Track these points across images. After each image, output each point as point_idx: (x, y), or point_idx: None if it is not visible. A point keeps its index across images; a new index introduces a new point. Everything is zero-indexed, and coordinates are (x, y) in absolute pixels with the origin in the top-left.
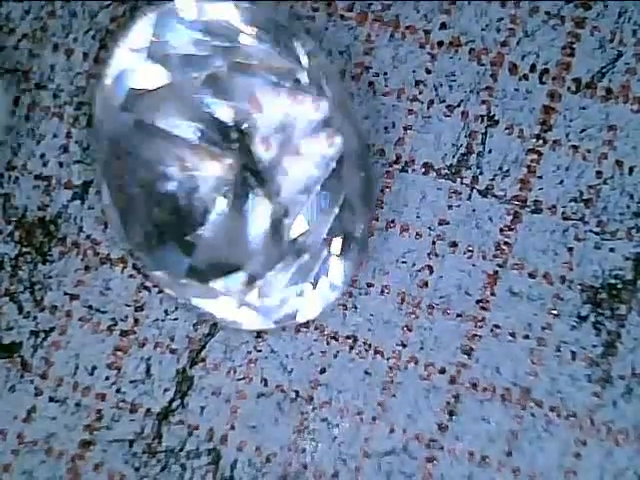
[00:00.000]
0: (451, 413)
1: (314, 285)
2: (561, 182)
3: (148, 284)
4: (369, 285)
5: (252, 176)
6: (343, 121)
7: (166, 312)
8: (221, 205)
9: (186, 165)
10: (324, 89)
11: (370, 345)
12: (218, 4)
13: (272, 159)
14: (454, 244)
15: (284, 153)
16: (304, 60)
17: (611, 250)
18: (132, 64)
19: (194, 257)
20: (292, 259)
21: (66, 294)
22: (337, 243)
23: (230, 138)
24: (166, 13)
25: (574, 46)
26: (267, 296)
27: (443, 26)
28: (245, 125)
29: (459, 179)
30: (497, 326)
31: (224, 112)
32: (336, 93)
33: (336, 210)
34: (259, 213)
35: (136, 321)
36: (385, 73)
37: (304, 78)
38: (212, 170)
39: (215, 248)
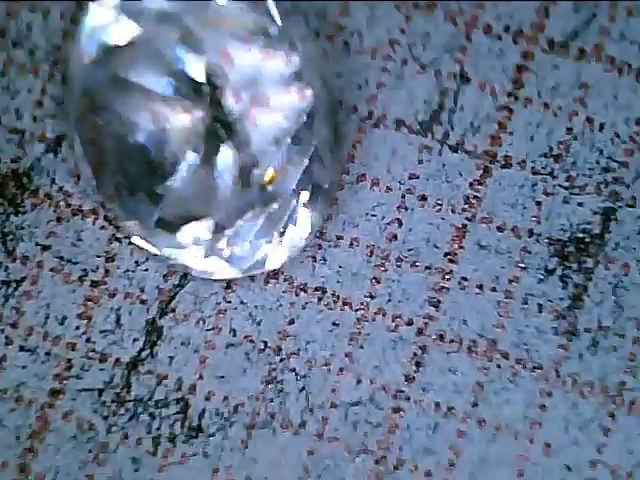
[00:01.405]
0: (418, 364)
1: (282, 234)
2: (531, 138)
3: (119, 235)
4: (338, 238)
5: (222, 128)
6: (314, 75)
7: (137, 263)
8: (191, 157)
9: (158, 118)
10: (296, 45)
11: (338, 297)
12: None
13: (242, 111)
14: (424, 198)
15: (254, 105)
16: (277, 17)
17: (579, 204)
18: (105, 20)
19: (162, 208)
20: (261, 209)
21: (38, 245)
22: (306, 194)
23: (202, 92)
24: None
25: (548, 8)
26: (236, 245)
27: None
28: (216, 79)
29: (430, 135)
30: (465, 279)
31: (196, 67)
32: (308, 48)
33: (306, 162)
34: (228, 164)
35: (107, 272)
36: (360, 33)
37: (276, 34)
38: (183, 122)
39: (184, 199)
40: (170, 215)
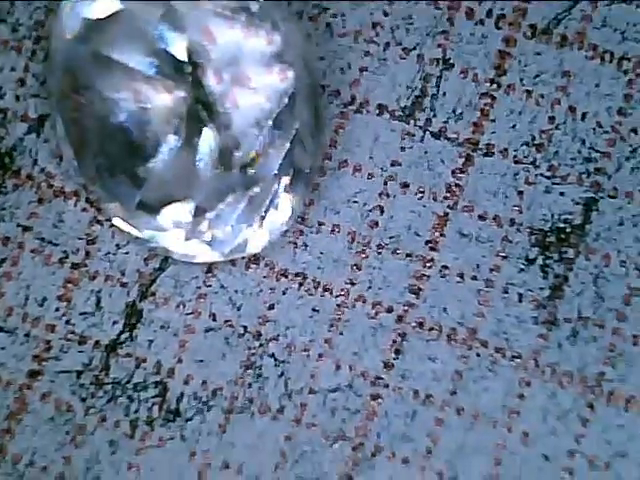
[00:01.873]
0: (397, 352)
1: (263, 218)
2: (514, 126)
3: (101, 218)
4: (320, 224)
5: (203, 109)
6: (296, 56)
7: (118, 246)
8: (172, 139)
9: (139, 97)
10: (278, 24)
11: (319, 283)
12: None
13: (223, 91)
14: (405, 185)
15: (235, 85)
16: None
17: (561, 194)
18: None
19: (144, 190)
20: (242, 192)
21: (19, 226)
22: (287, 178)
23: (183, 71)
24: None
25: None
26: (217, 228)
27: None
28: (198, 58)
29: (413, 121)
30: (445, 267)
31: (178, 46)
32: (290, 29)
33: (287, 145)
34: (209, 146)
35: (87, 254)
36: (343, 15)
37: (258, 12)
38: (164, 102)
39: (165, 181)
40: (151, 197)
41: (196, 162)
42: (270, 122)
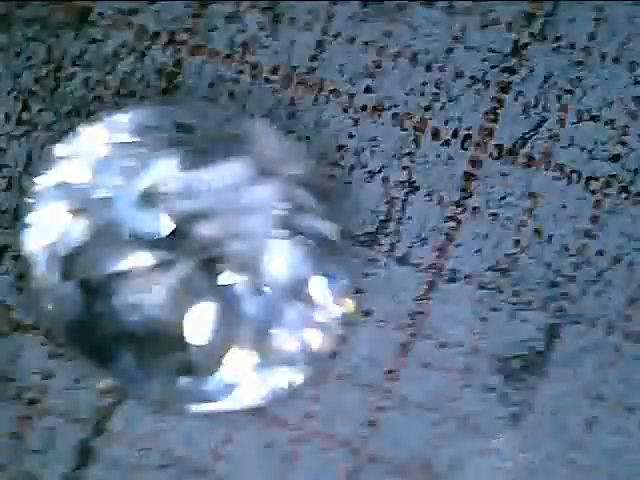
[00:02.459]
0: None
1: None
2: (478, 250)
3: (59, 351)
4: None
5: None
6: None
7: (76, 381)
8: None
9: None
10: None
11: (276, 416)
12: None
13: None
14: (368, 313)
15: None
16: None
17: (524, 321)
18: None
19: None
20: None
21: None
22: None
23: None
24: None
25: (497, 111)
26: None
27: (367, 90)
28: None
29: (377, 247)
30: (405, 398)
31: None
32: None
33: None
34: None
35: (43, 390)
36: (307, 137)
37: None
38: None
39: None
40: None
41: None
42: None
